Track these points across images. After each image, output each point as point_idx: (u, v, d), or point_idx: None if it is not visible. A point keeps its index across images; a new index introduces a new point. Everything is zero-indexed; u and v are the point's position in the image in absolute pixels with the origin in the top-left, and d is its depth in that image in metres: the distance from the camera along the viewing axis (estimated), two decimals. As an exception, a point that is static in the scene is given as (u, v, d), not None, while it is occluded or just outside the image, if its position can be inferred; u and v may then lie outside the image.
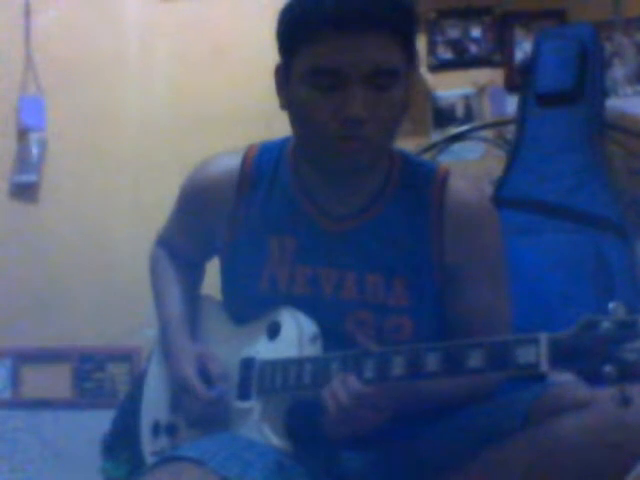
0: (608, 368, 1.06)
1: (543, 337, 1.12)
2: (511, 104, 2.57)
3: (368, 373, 1.25)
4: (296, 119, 1.37)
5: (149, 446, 1.54)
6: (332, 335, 1.38)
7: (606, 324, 1.07)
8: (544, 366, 1.11)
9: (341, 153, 1.32)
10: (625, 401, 1.06)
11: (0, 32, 2.92)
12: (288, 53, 1.36)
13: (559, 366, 1.11)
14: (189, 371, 1.44)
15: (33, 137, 2.87)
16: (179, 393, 1.47)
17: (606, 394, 1.13)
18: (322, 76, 1.30)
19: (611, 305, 1.08)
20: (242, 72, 2.80)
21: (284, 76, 1.38)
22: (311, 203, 1.44)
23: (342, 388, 1.25)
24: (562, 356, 1.10)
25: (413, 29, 1.35)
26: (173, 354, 1.50)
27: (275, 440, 1.35)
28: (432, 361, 1.21)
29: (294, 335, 1.39)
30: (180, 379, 1.45)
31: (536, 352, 1.12)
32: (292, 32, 1.34)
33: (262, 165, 1.49)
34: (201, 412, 1.42)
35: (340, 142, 1.31)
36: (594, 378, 1.08)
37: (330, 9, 1.27)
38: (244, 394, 1.41)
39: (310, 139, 1.36)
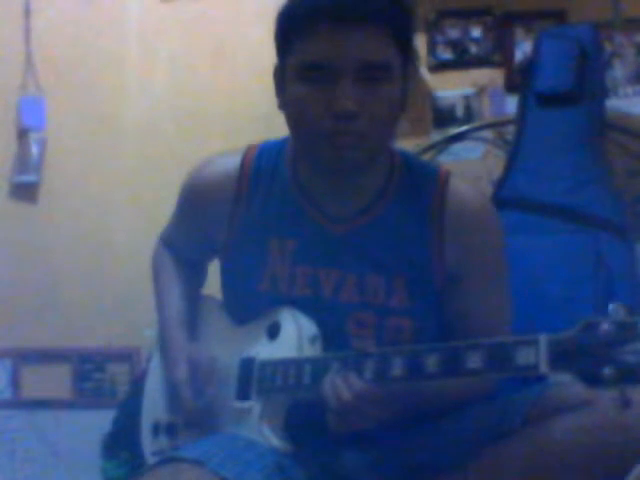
0: (608, 370, 1.06)
1: (543, 338, 1.12)
2: (511, 104, 2.57)
3: (368, 374, 1.25)
4: (290, 116, 1.37)
5: (149, 446, 1.54)
6: (332, 336, 1.38)
7: (606, 326, 1.07)
8: (544, 367, 1.11)
9: (334, 149, 1.32)
10: (625, 403, 1.06)
11: (0, 32, 2.92)
12: (283, 51, 1.37)
13: (559, 367, 1.11)
14: (180, 377, 1.43)
15: (33, 137, 2.87)
16: (172, 396, 1.47)
17: (606, 395, 1.13)
18: (313, 71, 1.31)
19: (611, 306, 1.08)
20: (242, 72, 2.80)
21: (280, 76, 1.39)
22: (311, 204, 1.44)
23: (344, 384, 1.25)
24: (562, 357, 1.10)
25: (407, 24, 1.36)
26: (169, 355, 1.50)
27: (274, 440, 1.35)
28: (432, 362, 1.21)
29: (294, 336, 1.39)
30: (171, 384, 1.45)
31: (536, 353, 1.12)
32: (286, 30, 1.35)
33: (261, 165, 1.48)
34: (190, 418, 1.43)
35: (332, 137, 1.31)
36: (594, 380, 1.07)
37: (321, 4, 1.28)
38: (244, 394, 1.41)
39: (304, 136, 1.36)
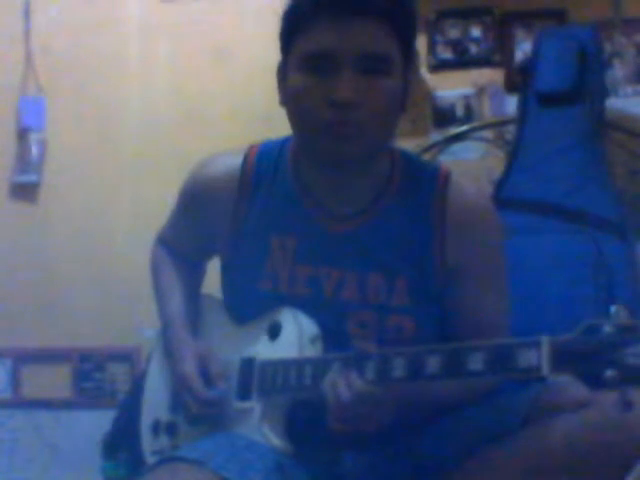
0: (610, 372, 1.05)
1: (545, 340, 1.11)
2: (511, 104, 2.57)
3: (369, 374, 1.25)
4: (291, 109, 1.38)
5: (149, 445, 1.54)
6: (333, 335, 1.37)
7: (608, 328, 1.07)
8: (545, 370, 1.10)
9: (334, 140, 1.32)
10: (627, 405, 1.05)
11: (0, 32, 2.92)
12: (286, 47, 1.38)
13: (560, 370, 1.10)
14: (190, 370, 1.43)
15: (33, 137, 2.87)
16: (179, 391, 1.47)
17: (605, 394, 1.13)
18: (314, 61, 1.32)
19: (613, 309, 1.08)
20: (242, 72, 2.80)
21: (283, 71, 1.39)
22: (312, 203, 1.44)
23: (344, 385, 1.25)
24: (564, 360, 1.10)
25: (410, 22, 1.37)
26: (175, 352, 1.50)
27: (275, 440, 1.35)
28: (433, 364, 1.20)
29: (295, 335, 1.39)
30: (180, 377, 1.45)
31: (538, 355, 1.11)
32: (290, 25, 1.36)
33: (263, 164, 1.49)
34: (199, 412, 1.42)
35: (332, 128, 1.31)
36: (596, 382, 1.07)
37: None
38: (244, 394, 1.41)
39: (304, 127, 1.36)
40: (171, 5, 2.87)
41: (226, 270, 1.52)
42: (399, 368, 1.23)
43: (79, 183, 2.89)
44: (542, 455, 1.27)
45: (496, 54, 2.70)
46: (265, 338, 1.43)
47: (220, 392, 1.41)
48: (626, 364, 1.05)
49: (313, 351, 1.37)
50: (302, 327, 1.38)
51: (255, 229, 1.46)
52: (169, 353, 1.53)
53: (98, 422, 1.95)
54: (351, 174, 1.40)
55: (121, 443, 1.67)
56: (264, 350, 1.42)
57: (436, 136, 2.65)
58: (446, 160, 2.50)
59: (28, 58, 2.88)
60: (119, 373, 2.86)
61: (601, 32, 2.40)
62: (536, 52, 2.36)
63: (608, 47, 2.54)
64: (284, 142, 1.49)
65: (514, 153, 2.33)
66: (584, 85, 2.27)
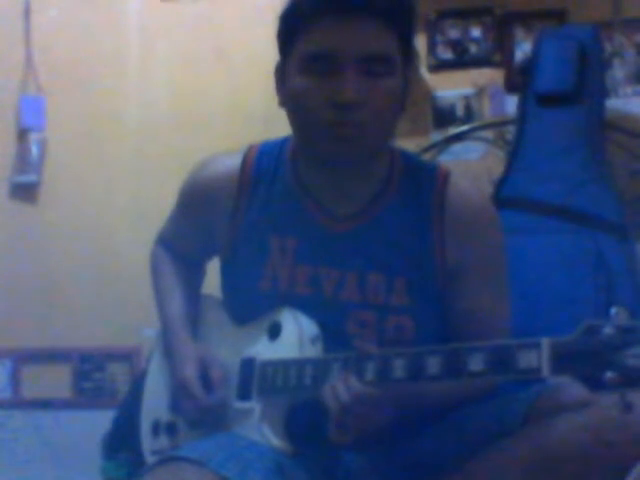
0: (610, 374, 1.05)
1: (545, 342, 1.11)
2: (511, 104, 2.58)
3: (369, 375, 1.25)
4: (292, 110, 1.38)
5: (149, 445, 1.54)
6: (333, 335, 1.38)
7: (608, 329, 1.07)
8: (545, 371, 1.10)
9: (335, 140, 1.32)
10: (627, 407, 1.05)
11: (0, 32, 2.92)
12: (285, 47, 1.38)
13: (561, 371, 1.10)
14: (190, 374, 1.43)
15: (33, 137, 2.87)
16: (178, 395, 1.47)
17: (605, 394, 1.13)
18: (316, 62, 1.32)
19: (613, 310, 1.08)
20: (242, 72, 2.80)
21: (282, 72, 1.39)
22: (312, 203, 1.44)
23: (343, 387, 1.25)
24: (564, 361, 1.10)
25: (409, 20, 1.37)
26: (175, 355, 1.50)
27: (275, 441, 1.35)
28: (433, 364, 1.20)
29: (295, 336, 1.39)
30: (181, 381, 1.45)
31: (538, 357, 1.11)
32: (290, 25, 1.36)
33: (262, 165, 1.49)
34: (199, 416, 1.42)
35: (333, 128, 1.32)
36: (596, 384, 1.07)
37: None
38: (244, 394, 1.41)
39: (305, 128, 1.36)
40: (171, 5, 2.87)
41: (226, 270, 1.52)
42: (399, 369, 1.23)
43: (79, 183, 2.89)
44: (543, 455, 1.27)
45: (496, 54, 2.71)
46: (265, 338, 1.43)
47: (220, 398, 1.41)
48: (626, 366, 1.05)
49: (313, 351, 1.37)
50: (302, 327, 1.38)
51: (255, 229, 1.46)
52: (169, 354, 1.53)
53: (98, 422, 1.95)
54: (351, 174, 1.40)
55: (121, 443, 1.68)
56: (264, 350, 1.42)
57: (436, 136, 2.65)
58: (446, 160, 2.50)
59: (28, 58, 2.88)
60: (119, 373, 2.86)
61: (601, 32, 2.41)
62: (536, 52, 2.36)
63: (608, 47, 2.54)
64: (283, 142, 1.49)
65: (514, 153, 2.33)
66: (584, 85, 2.28)
